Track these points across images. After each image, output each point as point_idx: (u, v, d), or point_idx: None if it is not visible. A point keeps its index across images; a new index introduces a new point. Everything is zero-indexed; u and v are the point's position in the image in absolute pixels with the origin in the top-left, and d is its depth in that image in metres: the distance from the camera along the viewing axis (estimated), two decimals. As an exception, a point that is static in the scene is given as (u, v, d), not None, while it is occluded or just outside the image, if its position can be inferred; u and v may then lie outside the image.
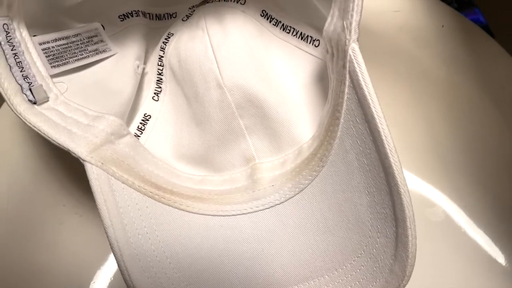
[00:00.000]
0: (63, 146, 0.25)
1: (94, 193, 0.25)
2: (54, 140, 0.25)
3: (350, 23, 0.22)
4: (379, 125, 0.22)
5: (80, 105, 0.27)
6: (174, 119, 0.33)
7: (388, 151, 0.22)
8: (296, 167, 0.28)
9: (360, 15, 0.22)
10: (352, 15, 0.22)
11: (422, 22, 0.35)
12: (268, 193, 0.28)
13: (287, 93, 0.31)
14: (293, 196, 0.27)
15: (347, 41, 0.23)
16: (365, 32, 0.35)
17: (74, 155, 0.25)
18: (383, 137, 0.22)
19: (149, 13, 0.35)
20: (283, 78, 0.31)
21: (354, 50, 0.22)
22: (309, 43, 0.31)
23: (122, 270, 0.25)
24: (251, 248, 0.27)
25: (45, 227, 0.34)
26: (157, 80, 0.33)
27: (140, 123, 0.33)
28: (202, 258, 0.27)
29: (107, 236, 0.25)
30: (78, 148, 0.25)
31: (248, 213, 0.28)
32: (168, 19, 0.36)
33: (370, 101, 0.22)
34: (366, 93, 0.22)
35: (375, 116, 0.22)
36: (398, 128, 0.33)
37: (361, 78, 0.22)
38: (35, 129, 0.25)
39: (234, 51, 0.31)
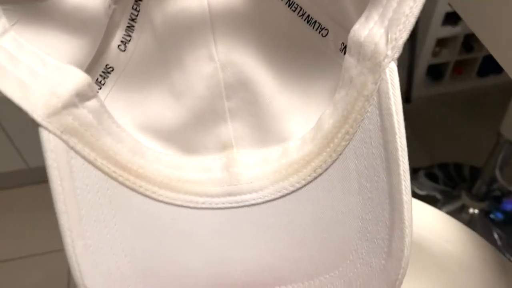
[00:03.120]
0: (13, 100, 0.20)
1: (48, 169, 0.21)
2: (0, 91, 0.20)
3: (396, 39, 0.20)
4: (400, 158, 0.20)
5: (35, 46, 0.22)
6: (142, 80, 0.28)
7: (403, 188, 0.20)
8: (281, 168, 0.26)
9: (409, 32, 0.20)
10: (401, 31, 0.20)
11: (467, 254, 0.38)
12: (245, 190, 0.26)
13: (285, 81, 0.27)
14: (272, 200, 0.25)
15: (386, 57, 0.20)
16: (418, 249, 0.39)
17: (26, 113, 0.21)
18: (402, 172, 0.20)
19: None
20: (283, 64, 0.27)
21: (392, 70, 0.20)
22: (316, 30, 0.27)
23: (72, 265, 0.21)
24: (216, 245, 0.25)
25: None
26: (128, 27, 0.27)
27: (100, 75, 0.27)
28: (161, 252, 0.24)
29: (59, 224, 0.21)
30: (33, 107, 0.21)
31: (219, 208, 0.26)
32: None
33: (397, 131, 0.20)
34: (395, 121, 0.20)
35: (399, 147, 0.20)
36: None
37: (392, 104, 0.20)
38: None
39: (236, 21, 0.26)
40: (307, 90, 0.27)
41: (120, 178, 0.24)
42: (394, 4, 0.20)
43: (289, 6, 0.26)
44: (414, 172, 1.18)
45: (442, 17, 1.18)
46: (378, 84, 0.20)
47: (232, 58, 0.26)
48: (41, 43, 0.22)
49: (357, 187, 0.22)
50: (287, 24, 0.27)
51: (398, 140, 0.20)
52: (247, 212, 0.26)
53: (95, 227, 0.22)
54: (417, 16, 0.20)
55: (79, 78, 0.22)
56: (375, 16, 0.21)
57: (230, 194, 0.26)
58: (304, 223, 0.25)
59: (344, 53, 0.24)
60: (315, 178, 0.24)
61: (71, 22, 0.23)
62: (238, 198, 0.26)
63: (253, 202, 0.26)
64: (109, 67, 0.27)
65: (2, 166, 1.14)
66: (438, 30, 1.20)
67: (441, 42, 1.26)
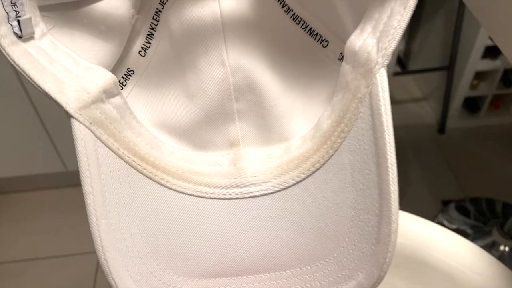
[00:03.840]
0: (49, 95, 0.24)
1: (78, 155, 0.24)
2: (39, 86, 0.23)
3: (386, 48, 0.22)
4: (388, 152, 0.23)
5: (68, 48, 0.25)
6: (160, 82, 0.31)
7: (391, 180, 0.23)
8: (283, 163, 0.28)
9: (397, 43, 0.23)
10: (390, 41, 0.22)
11: None
12: (250, 183, 0.28)
13: (288, 86, 0.30)
14: (275, 192, 0.28)
15: (377, 64, 0.23)
16: (449, 280, 0.39)
17: (59, 106, 0.24)
18: (389, 165, 0.23)
19: None
20: (287, 70, 0.30)
21: (382, 75, 0.23)
22: (317, 41, 0.29)
23: (95, 240, 0.24)
24: (223, 232, 0.28)
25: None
26: (148, 35, 0.30)
27: (122, 77, 0.30)
28: (173, 235, 0.27)
29: (86, 203, 0.24)
30: (67, 100, 0.24)
31: (227, 199, 0.28)
32: None
33: (385, 128, 0.23)
34: (384, 120, 0.23)
35: (387, 143, 0.23)
36: None
37: (382, 105, 0.23)
38: (18, 68, 0.23)
39: (245, 30, 0.29)
40: (308, 94, 0.30)
41: (139, 167, 0.27)
42: (385, 18, 0.23)
43: (293, 19, 0.29)
44: (444, 204, 1.15)
45: (482, 50, 1.17)
46: (370, 87, 0.23)
47: (241, 64, 0.29)
48: (73, 46, 0.26)
49: (350, 179, 0.25)
50: (291, 36, 0.29)
51: (386, 136, 0.23)
52: (252, 203, 0.28)
53: (116, 208, 0.25)
54: (404, 29, 0.22)
55: (107, 77, 0.25)
56: (368, 29, 0.24)
57: (236, 186, 0.28)
58: (303, 213, 0.27)
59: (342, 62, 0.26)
60: (314, 172, 0.26)
61: (99, 29, 0.26)
62: (243, 189, 0.28)
63: (257, 193, 0.28)
64: (130, 70, 0.30)
65: (43, 168, 1.19)
66: (477, 63, 1.20)
67: (480, 75, 1.25)
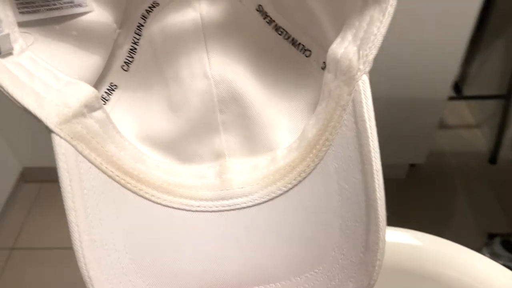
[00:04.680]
0: (29, 111, 0.23)
1: (59, 170, 0.23)
2: (18, 102, 0.23)
3: (367, 55, 0.23)
4: (373, 159, 0.22)
5: (49, 64, 0.25)
6: (144, 95, 0.30)
7: (377, 186, 0.22)
8: (269, 174, 0.28)
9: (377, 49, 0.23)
10: (371, 48, 0.22)
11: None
12: (237, 195, 0.28)
13: (272, 96, 0.30)
14: (261, 203, 0.27)
15: (359, 71, 0.23)
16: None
17: (40, 122, 0.23)
18: (375, 171, 0.22)
19: None
20: (270, 81, 0.30)
21: (364, 82, 0.23)
22: (300, 51, 0.29)
23: (78, 257, 0.24)
24: (210, 246, 0.27)
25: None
26: (130, 49, 0.30)
27: (105, 92, 0.30)
28: (158, 250, 0.27)
29: (68, 220, 0.23)
30: (48, 115, 0.23)
31: (213, 211, 0.28)
32: None
33: (369, 135, 0.23)
34: (368, 126, 0.23)
35: (371, 149, 0.23)
36: None
37: (365, 111, 0.23)
38: None
39: (227, 42, 0.29)
40: (292, 104, 0.30)
41: (123, 182, 0.26)
42: (365, 26, 0.23)
43: (276, 30, 0.29)
44: (490, 237, 1.11)
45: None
46: (352, 94, 0.23)
47: (224, 75, 0.29)
48: (54, 61, 0.25)
49: (337, 188, 0.25)
50: (274, 46, 0.29)
51: (371, 143, 0.22)
52: (239, 215, 0.28)
53: (100, 224, 0.25)
54: (384, 35, 0.22)
55: (88, 92, 0.25)
56: (349, 37, 0.24)
57: (223, 198, 0.28)
58: (290, 224, 0.27)
59: None
60: (300, 181, 0.26)
61: (80, 44, 0.26)
62: (230, 201, 0.28)
63: (243, 205, 0.28)
64: (114, 85, 0.30)
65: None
66: (537, 94, 1.14)
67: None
